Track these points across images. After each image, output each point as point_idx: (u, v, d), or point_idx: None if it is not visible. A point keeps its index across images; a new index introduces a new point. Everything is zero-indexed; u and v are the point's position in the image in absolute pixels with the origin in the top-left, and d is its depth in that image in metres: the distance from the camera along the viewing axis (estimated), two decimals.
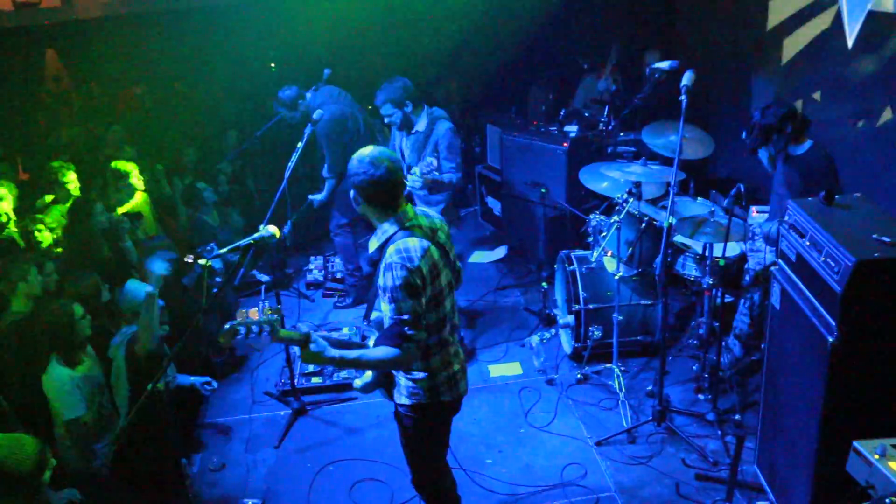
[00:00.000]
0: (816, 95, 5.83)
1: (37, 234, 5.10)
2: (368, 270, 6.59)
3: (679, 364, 5.34)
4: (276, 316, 2.81)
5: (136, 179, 5.91)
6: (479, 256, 7.39)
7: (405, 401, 3.24)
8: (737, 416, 4.69)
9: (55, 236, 5.28)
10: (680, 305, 5.95)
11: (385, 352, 2.97)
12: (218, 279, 5.60)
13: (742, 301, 4.97)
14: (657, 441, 4.63)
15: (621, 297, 5.08)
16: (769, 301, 3.87)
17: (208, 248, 5.23)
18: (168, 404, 4.36)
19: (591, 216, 5.56)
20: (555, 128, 6.76)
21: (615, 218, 5.04)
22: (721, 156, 6.75)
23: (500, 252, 7.37)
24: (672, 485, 4.27)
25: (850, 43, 5.18)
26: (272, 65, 9.31)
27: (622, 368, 5.17)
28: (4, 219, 5.27)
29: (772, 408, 3.93)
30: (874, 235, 3.15)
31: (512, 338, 5.92)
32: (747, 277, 4.89)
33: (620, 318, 5.05)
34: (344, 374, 5.35)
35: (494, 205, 7.68)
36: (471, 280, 6.74)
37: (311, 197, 6.22)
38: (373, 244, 3.12)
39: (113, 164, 5.96)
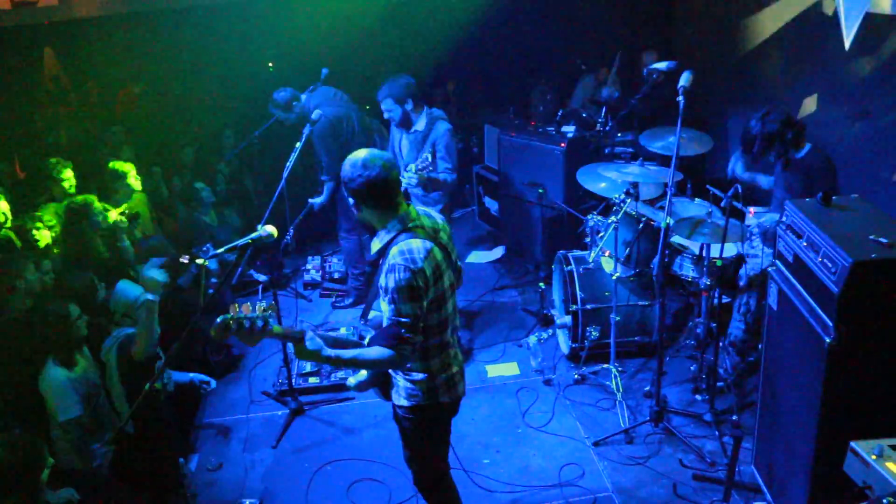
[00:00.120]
0: (814, 97, 5.84)
1: (35, 232, 5.09)
2: (371, 272, 6.60)
3: (676, 364, 5.34)
4: (269, 311, 2.78)
5: (134, 180, 5.88)
6: (477, 257, 7.40)
7: (404, 402, 3.24)
8: (734, 417, 4.70)
9: (53, 234, 5.26)
10: (677, 306, 5.96)
11: (379, 352, 2.96)
12: (213, 280, 5.60)
13: (736, 307, 4.97)
14: (655, 441, 4.63)
15: (619, 298, 5.08)
16: (766, 302, 3.88)
17: (204, 248, 5.22)
18: (166, 404, 4.36)
19: (589, 216, 5.56)
20: (552, 128, 6.77)
21: (613, 218, 5.05)
22: (719, 157, 6.76)
23: (498, 252, 7.38)
24: (669, 485, 4.28)
25: (847, 44, 5.19)
26: (270, 64, 9.29)
27: (619, 369, 5.17)
28: (2, 219, 5.26)
29: (769, 408, 3.93)
30: (871, 236, 3.15)
31: (509, 338, 5.92)
32: (742, 282, 4.89)
33: (618, 318, 5.05)
34: (341, 374, 5.35)
35: (492, 205, 7.68)
36: (468, 280, 6.73)
37: (311, 201, 6.19)
38: (375, 245, 3.10)
39: (110, 164, 5.93)
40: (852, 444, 2.73)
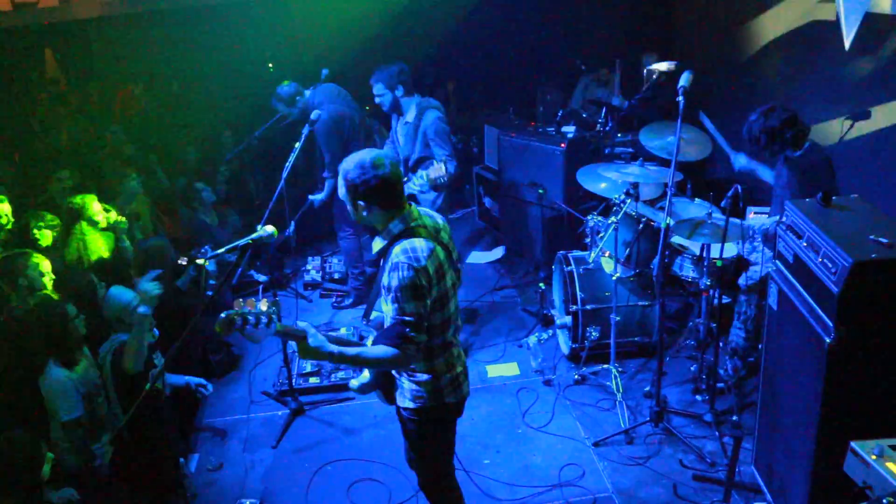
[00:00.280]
0: (814, 97, 5.84)
1: (35, 231, 5.09)
2: (371, 272, 6.60)
3: (676, 365, 5.34)
4: (273, 308, 2.77)
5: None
6: (477, 257, 7.40)
7: (409, 404, 3.22)
8: (734, 417, 4.69)
9: (55, 234, 5.26)
10: (677, 306, 5.96)
11: (383, 351, 2.95)
12: (212, 282, 5.59)
13: (736, 315, 4.97)
14: (655, 442, 4.63)
15: (619, 298, 5.08)
16: (766, 302, 3.88)
17: (203, 250, 5.22)
18: (166, 405, 4.36)
19: (589, 217, 5.56)
20: (552, 128, 6.77)
21: (613, 219, 5.05)
22: (719, 157, 6.75)
23: (498, 253, 7.38)
24: (670, 485, 4.27)
25: (847, 44, 5.19)
26: (270, 65, 9.30)
27: (620, 369, 5.17)
28: (4, 220, 5.26)
29: (769, 409, 3.93)
30: (871, 236, 3.15)
31: (509, 338, 5.92)
32: (742, 286, 4.89)
33: (618, 318, 5.05)
34: (342, 374, 5.35)
35: (492, 205, 7.68)
36: (468, 280, 6.74)
37: (311, 197, 6.20)
38: (377, 245, 3.09)
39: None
40: (852, 444, 2.73)
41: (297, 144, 5.27)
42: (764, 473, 4.05)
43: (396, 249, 2.95)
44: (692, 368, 5.16)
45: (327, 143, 5.86)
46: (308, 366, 5.46)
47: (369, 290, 6.58)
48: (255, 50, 9.08)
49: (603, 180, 5.31)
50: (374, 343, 3.07)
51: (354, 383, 3.36)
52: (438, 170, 4.76)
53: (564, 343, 5.58)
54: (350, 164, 2.99)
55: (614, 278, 5.02)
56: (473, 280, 6.84)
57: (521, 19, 8.94)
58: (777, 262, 3.74)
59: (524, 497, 4.30)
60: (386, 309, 3.08)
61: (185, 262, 5.18)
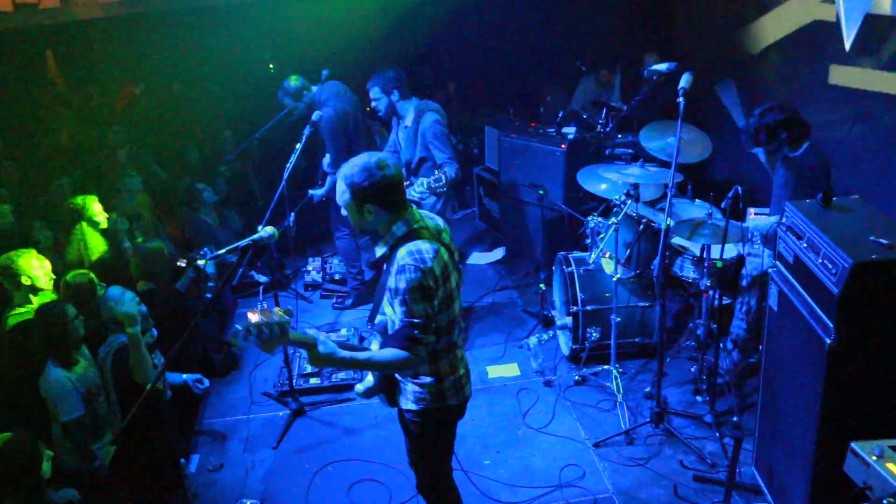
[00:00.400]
0: (814, 97, 5.84)
1: (37, 231, 5.10)
2: (371, 275, 6.61)
3: (677, 366, 5.34)
4: (287, 317, 2.77)
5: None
6: (478, 258, 7.40)
7: (412, 406, 3.22)
8: (735, 418, 4.70)
9: (56, 235, 5.27)
10: (678, 307, 5.96)
11: (393, 354, 2.94)
12: (211, 284, 5.60)
13: (738, 306, 4.96)
14: (655, 443, 4.63)
15: (619, 299, 5.09)
16: (766, 303, 3.88)
17: (202, 252, 5.22)
18: (167, 405, 4.36)
19: (590, 218, 5.57)
20: (553, 129, 6.77)
21: (613, 220, 5.05)
22: (719, 158, 6.77)
23: (499, 253, 7.38)
24: (670, 486, 4.28)
25: (847, 45, 5.19)
26: (270, 65, 9.32)
27: (620, 370, 5.18)
28: (6, 220, 5.27)
29: (770, 410, 3.93)
30: (871, 237, 3.15)
31: (510, 339, 5.92)
32: (744, 282, 4.89)
33: (618, 319, 5.05)
34: (342, 374, 5.36)
35: (492, 206, 7.69)
36: (469, 281, 6.74)
37: (311, 192, 6.20)
38: (380, 249, 3.08)
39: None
40: (852, 444, 2.74)
41: (298, 145, 5.28)
42: (764, 474, 4.05)
43: (402, 252, 2.94)
44: (692, 369, 5.17)
45: (332, 140, 5.85)
46: (308, 366, 5.47)
47: (369, 290, 6.62)
48: (256, 51, 9.09)
49: (603, 181, 5.31)
50: (382, 346, 3.05)
51: (360, 388, 3.36)
52: (437, 178, 4.78)
53: (565, 344, 5.59)
54: (353, 169, 2.96)
55: (615, 279, 5.02)
56: (474, 281, 6.84)
57: (521, 20, 8.95)
58: (777, 262, 3.74)
59: (524, 498, 4.30)
60: (389, 311, 3.09)
61: (184, 265, 5.18)
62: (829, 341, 3.17)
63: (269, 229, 4.36)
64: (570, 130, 6.67)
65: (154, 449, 4.15)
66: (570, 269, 5.38)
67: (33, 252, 4.55)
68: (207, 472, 4.69)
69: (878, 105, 5.15)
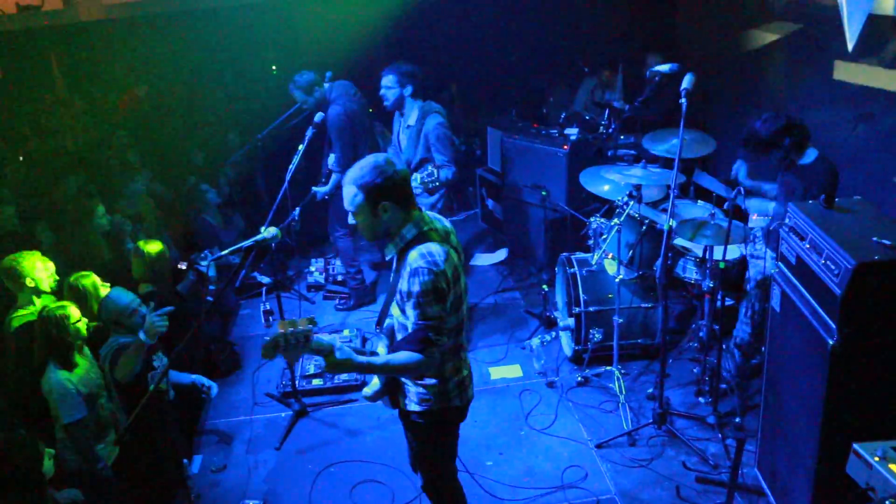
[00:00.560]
0: (817, 98, 5.83)
1: (40, 232, 5.10)
2: (374, 276, 6.61)
3: (679, 367, 5.34)
4: (311, 326, 2.78)
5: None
6: (480, 259, 7.40)
7: (416, 407, 3.22)
8: (737, 419, 4.70)
9: (57, 236, 5.28)
10: (680, 308, 5.95)
11: (408, 356, 2.95)
12: (212, 287, 5.59)
13: (742, 310, 4.96)
14: (657, 444, 4.63)
15: (622, 300, 5.09)
16: (769, 304, 3.88)
17: (203, 254, 5.23)
18: (169, 406, 4.37)
19: (592, 219, 5.57)
20: (555, 131, 6.77)
21: (615, 221, 5.05)
22: (722, 160, 6.76)
23: (501, 254, 7.38)
24: (672, 488, 4.27)
25: (850, 46, 5.19)
26: (273, 67, 9.32)
27: (622, 371, 5.18)
28: (11, 222, 5.28)
29: (772, 411, 3.93)
30: (874, 238, 3.16)
31: (512, 340, 5.92)
32: (748, 286, 4.88)
33: (621, 320, 5.05)
34: (345, 376, 5.35)
35: (495, 207, 7.69)
36: (471, 282, 6.74)
37: (314, 189, 6.19)
38: (389, 251, 3.09)
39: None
40: (855, 445, 2.73)
41: (301, 147, 5.28)
42: (767, 475, 4.05)
43: (413, 255, 2.94)
44: (695, 371, 5.16)
45: (340, 138, 5.84)
46: (311, 367, 5.47)
47: (369, 291, 6.63)
48: (259, 53, 9.10)
49: (606, 182, 5.31)
50: (396, 349, 3.05)
51: (367, 391, 3.36)
52: (430, 174, 4.78)
53: (567, 345, 5.59)
54: (363, 170, 2.95)
55: (617, 280, 5.02)
56: (476, 282, 6.85)
57: (524, 21, 8.95)
58: (780, 263, 3.74)
59: (527, 499, 4.30)
60: (396, 313, 3.10)
61: (185, 267, 5.19)
62: (831, 342, 3.17)
63: (272, 230, 4.37)
64: (572, 131, 6.68)
65: (157, 449, 4.16)
66: (572, 270, 5.38)
67: (37, 254, 4.56)
68: (210, 472, 4.69)
69: (882, 104, 5.14)
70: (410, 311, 2.95)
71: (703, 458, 4.44)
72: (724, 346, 4.83)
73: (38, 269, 4.50)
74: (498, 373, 5.50)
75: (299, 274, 7.27)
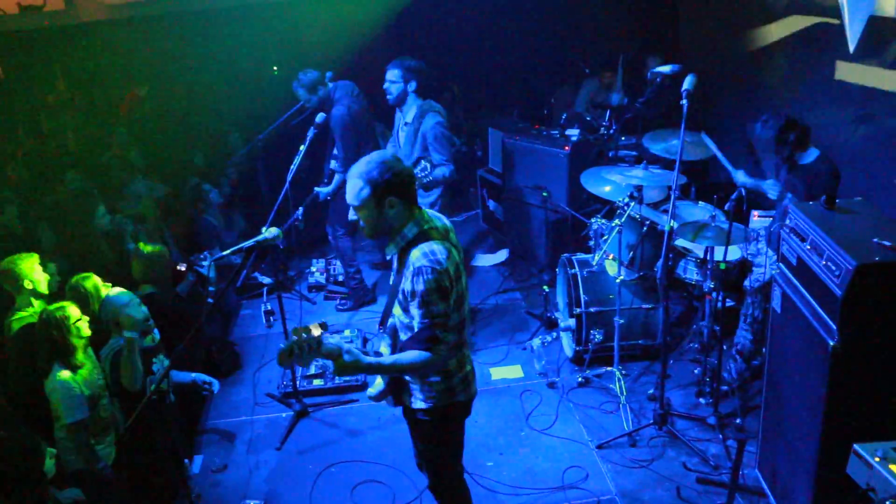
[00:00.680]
0: (818, 100, 5.84)
1: (41, 231, 5.11)
2: (373, 279, 6.61)
3: (680, 368, 5.34)
4: (322, 331, 2.80)
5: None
6: (481, 259, 7.41)
7: (421, 405, 3.23)
8: (738, 420, 4.70)
9: (58, 237, 5.29)
10: (681, 309, 5.95)
11: (416, 355, 2.96)
12: (212, 288, 5.60)
13: (742, 317, 4.97)
14: (658, 444, 4.63)
15: (622, 301, 5.09)
16: (770, 305, 3.88)
17: (202, 255, 5.23)
18: (170, 406, 4.37)
19: (593, 220, 5.57)
20: (556, 131, 6.78)
21: (616, 221, 5.05)
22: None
23: (502, 255, 7.38)
24: (673, 488, 4.27)
25: (851, 47, 5.19)
26: (275, 68, 9.33)
27: (623, 372, 5.18)
28: (14, 222, 5.29)
29: (773, 411, 3.93)
30: (875, 239, 3.15)
31: (513, 341, 5.93)
32: (748, 291, 4.88)
33: (622, 321, 5.05)
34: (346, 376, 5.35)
35: (496, 208, 7.69)
36: (472, 283, 6.75)
37: (317, 189, 6.19)
38: (390, 250, 3.09)
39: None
40: (855, 446, 2.74)
41: (302, 147, 5.28)
42: (768, 476, 4.05)
43: (416, 254, 2.94)
44: (696, 371, 5.16)
45: (344, 138, 5.83)
46: (312, 367, 5.48)
47: (369, 291, 6.63)
48: (260, 53, 9.10)
49: (607, 183, 5.31)
50: (403, 348, 3.06)
51: (371, 391, 3.36)
52: (423, 168, 4.78)
53: (568, 346, 5.59)
54: (370, 165, 2.95)
55: (618, 281, 5.02)
56: (477, 282, 6.85)
57: (525, 22, 8.96)
58: (780, 264, 3.74)
59: (527, 499, 4.30)
60: (398, 312, 3.11)
61: (184, 268, 5.19)
62: (832, 343, 3.17)
63: (273, 230, 4.37)
64: (573, 132, 6.68)
65: (157, 450, 4.16)
66: (573, 270, 5.39)
67: (35, 256, 4.57)
68: (211, 472, 4.70)
69: (883, 105, 5.14)
70: (415, 311, 2.96)
71: (703, 458, 4.44)
72: (724, 348, 4.83)
73: (37, 271, 4.50)
74: (499, 373, 5.50)
75: (300, 274, 7.27)
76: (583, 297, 5.26)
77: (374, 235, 3.10)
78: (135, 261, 5.06)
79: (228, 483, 4.62)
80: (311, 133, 5.42)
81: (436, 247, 2.95)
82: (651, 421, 4.70)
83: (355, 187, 2.96)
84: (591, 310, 5.26)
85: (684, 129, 4.24)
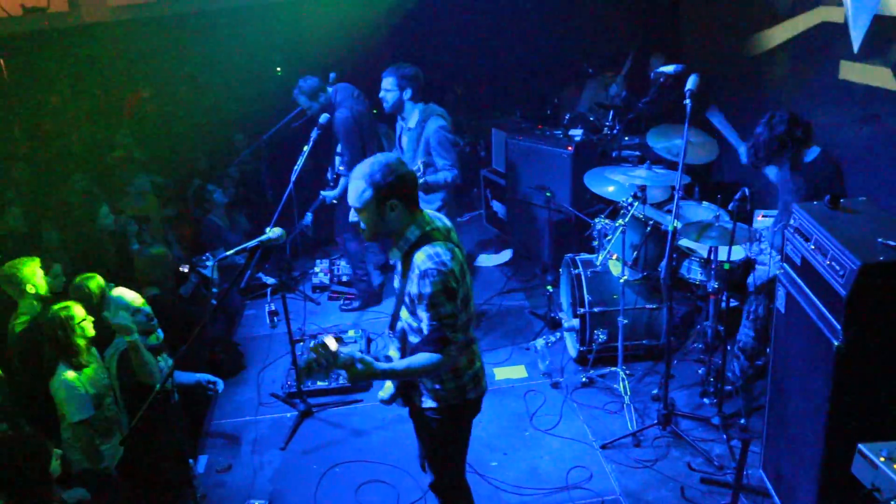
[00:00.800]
0: (822, 99, 5.83)
1: (45, 232, 5.13)
2: (381, 279, 6.61)
3: (684, 368, 5.34)
4: (339, 344, 2.84)
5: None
6: (485, 260, 7.41)
7: (432, 403, 3.23)
8: (742, 420, 4.69)
9: (63, 236, 5.31)
10: (685, 309, 5.94)
11: (428, 358, 2.97)
12: (215, 289, 5.62)
13: (745, 315, 4.96)
14: (662, 445, 4.63)
15: (626, 301, 5.08)
16: (774, 305, 3.87)
17: (203, 257, 5.24)
18: (175, 406, 4.38)
19: (597, 220, 5.57)
20: (560, 132, 6.78)
21: (620, 221, 5.05)
22: (726, 160, 6.76)
23: (506, 256, 7.39)
24: (677, 488, 4.27)
25: (856, 47, 5.19)
26: (278, 68, 9.35)
27: (627, 372, 5.17)
28: (17, 223, 5.31)
29: (777, 412, 3.93)
30: (879, 239, 3.15)
31: (517, 341, 5.93)
32: (751, 289, 4.88)
33: (625, 321, 5.05)
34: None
35: (499, 208, 7.69)
36: (476, 283, 6.75)
37: (323, 193, 6.19)
38: (394, 254, 3.10)
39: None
40: (860, 446, 2.74)
41: (306, 147, 5.29)
42: (772, 477, 4.04)
43: (420, 256, 2.95)
44: (700, 372, 5.16)
45: (348, 141, 5.83)
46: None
47: (376, 293, 6.63)
48: (264, 54, 9.12)
49: (610, 183, 5.31)
50: (413, 351, 3.07)
51: (383, 394, 3.37)
52: (416, 168, 4.78)
53: (572, 346, 5.59)
54: (373, 167, 2.94)
55: (622, 281, 5.02)
56: (481, 283, 6.85)
57: (528, 22, 8.96)
58: (785, 264, 3.74)
59: (531, 499, 4.30)
60: (405, 315, 3.11)
61: (186, 270, 5.20)
62: (836, 343, 3.16)
63: (278, 230, 4.37)
64: (577, 132, 6.68)
65: (162, 449, 4.17)
66: (577, 270, 5.39)
67: (37, 260, 4.58)
68: (216, 472, 4.71)
69: (888, 105, 5.14)
70: (423, 313, 2.97)
71: (707, 459, 4.44)
72: (728, 348, 4.82)
73: (39, 275, 4.52)
74: (502, 373, 5.50)
75: (304, 275, 7.28)
76: (586, 298, 5.26)
77: (373, 238, 3.11)
78: (138, 262, 5.07)
79: (233, 483, 4.63)
80: (314, 133, 5.42)
81: (440, 248, 2.96)
82: (655, 421, 4.69)
83: (358, 189, 2.96)
84: (595, 310, 5.26)
85: (687, 128, 4.24)
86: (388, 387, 3.34)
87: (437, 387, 3.20)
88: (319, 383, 5.38)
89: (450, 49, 9.02)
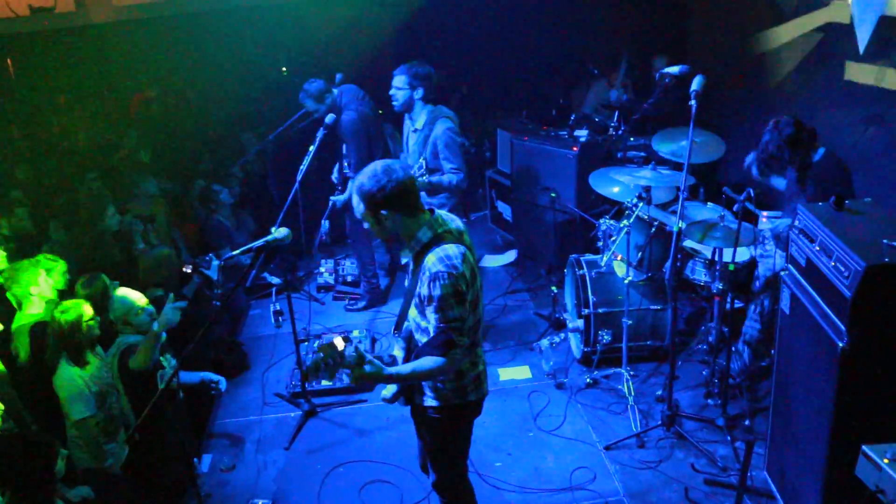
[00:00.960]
0: (828, 100, 5.82)
1: (53, 230, 5.14)
2: (387, 281, 6.60)
3: (688, 369, 5.33)
4: (345, 343, 2.86)
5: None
6: (490, 260, 7.41)
7: (433, 403, 3.24)
8: (746, 422, 4.68)
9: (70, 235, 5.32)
10: (689, 310, 5.95)
11: (434, 361, 2.98)
12: (218, 291, 5.63)
13: (752, 307, 4.96)
14: (666, 446, 4.62)
15: (631, 302, 5.08)
16: (779, 306, 3.87)
17: (206, 257, 5.25)
18: (180, 405, 4.39)
19: (601, 220, 5.57)
20: (565, 132, 6.78)
21: (625, 222, 5.04)
22: (731, 161, 6.74)
23: (511, 256, 7.39)
24: (681, 490, 4.27)
25: (861, 48, 5.18)
26: (283, 69, 9.37)
27: (631, 373, 5.17)
28: (23, 223, 5.33)
29: (782, 413, 3.92)
30: (885, 240, 3.14)
31: (521, 341, 5.93)
32: (757, 283, 4.88)
33: (630, 322, 5.05)
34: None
35: (504, 209, 7.69)
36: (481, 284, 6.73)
37: (332, 198, 6.18)
38: (405, 254, 3.12)
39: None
40: (864, 447, 2.73)
41: (312, 148, 5.29)
42: (776, 478, 4.04)
43: (431, 258, 2.96)
44: (704, 373, 5.15)
45: (356, 143, 5.82)
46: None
47: (382, 294, 6.63)
48: (269, 54, 9.14)
49: (615, 184, 5.31)
50: (419, 354, 3.08)
51: (386, 393, 3.38)
52: (419, 166, 4.78)
53: (576, 346, 5.59)
54: (363, 178, 2.99)
55: (626, 282, 5.01)
56: (486, 283, 6.83)
57: (534, 23, 8.96)
58: (789, 265, 3.73)
59: (535, 500, 4.30)
60: (413, 315, 3.12)
61: (189, 271, 5.22)
62: (841, 345, 3.16)
63: (283, 231, 4.39)
64: (582, 133, 6.68)
65: (166, 448, 4.18)
66: (581, 271, 5.38)
67: (41, 263, 4.60)
68: (220, 471, 4.72)
69: (893, 106, 5.13)
70: (431, 315, 2.98)
71: (712, 460, 4.43)
72: (732, 348, 4.81)
73: (41, 275, 4.54)
74: (507, 374, 5.50)
75: (309, 275, 7.29)
76: (591, 298, 5.25)
77: (385, 241, 3.14)
78: (142, 262, 5.08)
79: (237, 482, 4.64)
80: (320, 134, 5.42)
81: (451, 250, 2.97)
82: (659, 422, 4.69)
83: (353, 201, 3.06)
84: (600, 311, 5.25)
85: (693, 129, 4.24)
86: (391, 385, 3.35)
87: (439, 387, 3.21)
88: (324, 383, 5.39)
89: (455, 49, 9.02)
